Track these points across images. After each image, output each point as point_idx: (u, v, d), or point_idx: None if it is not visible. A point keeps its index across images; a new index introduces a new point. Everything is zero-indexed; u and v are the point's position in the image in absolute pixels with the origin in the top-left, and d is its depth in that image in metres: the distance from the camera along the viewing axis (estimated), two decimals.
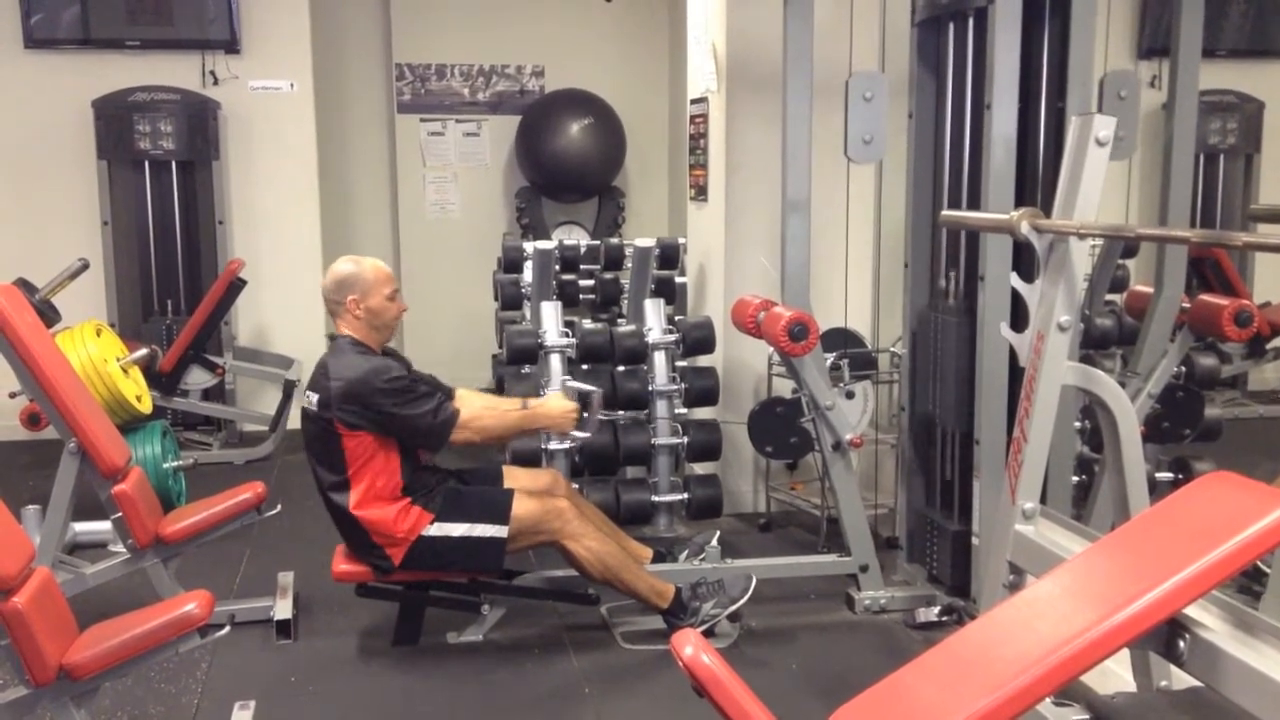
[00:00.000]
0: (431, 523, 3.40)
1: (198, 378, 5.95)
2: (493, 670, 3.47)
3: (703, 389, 4.60)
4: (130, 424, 4.70)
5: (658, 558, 3.78)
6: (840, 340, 4.54)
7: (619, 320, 5.58)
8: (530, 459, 4.33)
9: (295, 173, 6.71)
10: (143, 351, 5.03)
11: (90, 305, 6.05)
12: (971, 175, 3.68)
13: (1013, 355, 2.90)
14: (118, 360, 4.75)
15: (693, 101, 5.23)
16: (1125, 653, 2.34)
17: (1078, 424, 4.00)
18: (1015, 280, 2.71)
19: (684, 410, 4.66)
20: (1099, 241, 4.54)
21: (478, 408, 3.53)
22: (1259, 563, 2.82)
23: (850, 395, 4.50)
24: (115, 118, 6.25)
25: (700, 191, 5.18)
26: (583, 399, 3.53)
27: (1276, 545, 1.88)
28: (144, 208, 6.39)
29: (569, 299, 5.85)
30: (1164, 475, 4.21)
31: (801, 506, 4.85)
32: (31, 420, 4.69)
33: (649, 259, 5.40)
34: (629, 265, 5.70)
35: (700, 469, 4.80)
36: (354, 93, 7.62)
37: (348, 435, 3.35)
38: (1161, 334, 4.09)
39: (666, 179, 7.92)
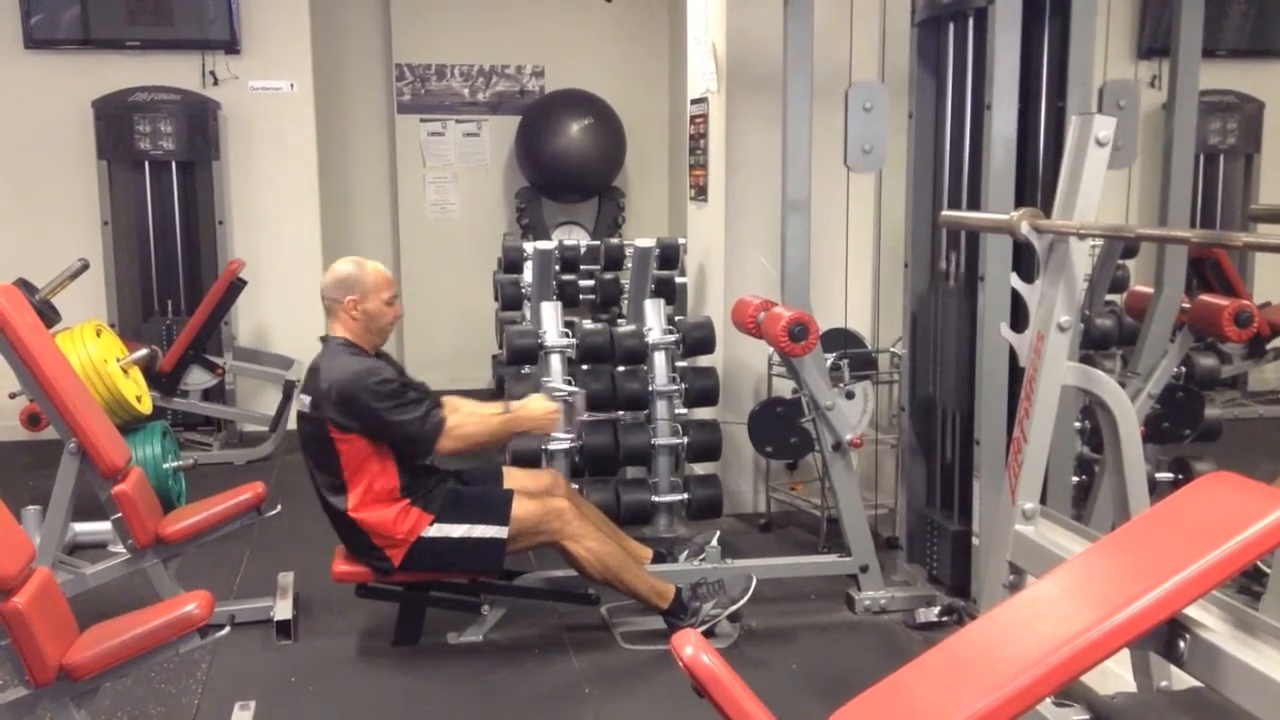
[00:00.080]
0: (431, 524, 3.40)
1: (198, 378, 5.95)
2: (493, 670, 3.47)
3: (703, 389, 4.60)
4: (130, 424, 4.70)
5: (658, 558, 3.78)
6: (840, 340, 4.54)
7: (619, 320, 5.58)
8: (530, 459, 4.33)
9: (295, 173, 6.71)
10: (143, 352, 5.03)
11: (90, 305, 6.05)
12: (971, 175, 3.68)
13: (1013, 355, 2.90)
14: (118, 360, 4.75)
15: (693, 101, 5.23)
16: (1125, 653, 2.34)
17: (1078, 424, 4.00)
18: (1015, 280, 2.71)
19: (684, 410, 4.66)
20: (1099, 242, 4.54)
21: (461, 415, 3.48)
22: (1259, 563, 2.82)
23: (850, 395, 4.50)
24: (115, 118, 6.26)
25: (700, 192, 5.18)
26: (565, 401, 3.52)
27: (1276, 545, 1.88)
28: (144, 208, 6.39)
29: (569, 299, 5.85)
30: (1164, 475, 4.21)
31: (801, 507, 4.85)
32: (31, 420, 4.69)
33: (649, 259, 5.40)
34: (629, 265, 5.71)
35: (700, 469, 4.80)
36: (354, 93, 7.62)
37: (340, 439, 3.34)
38: (1161, 334, 4.09)
39: (666, 179, 7.92)
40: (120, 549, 3.66)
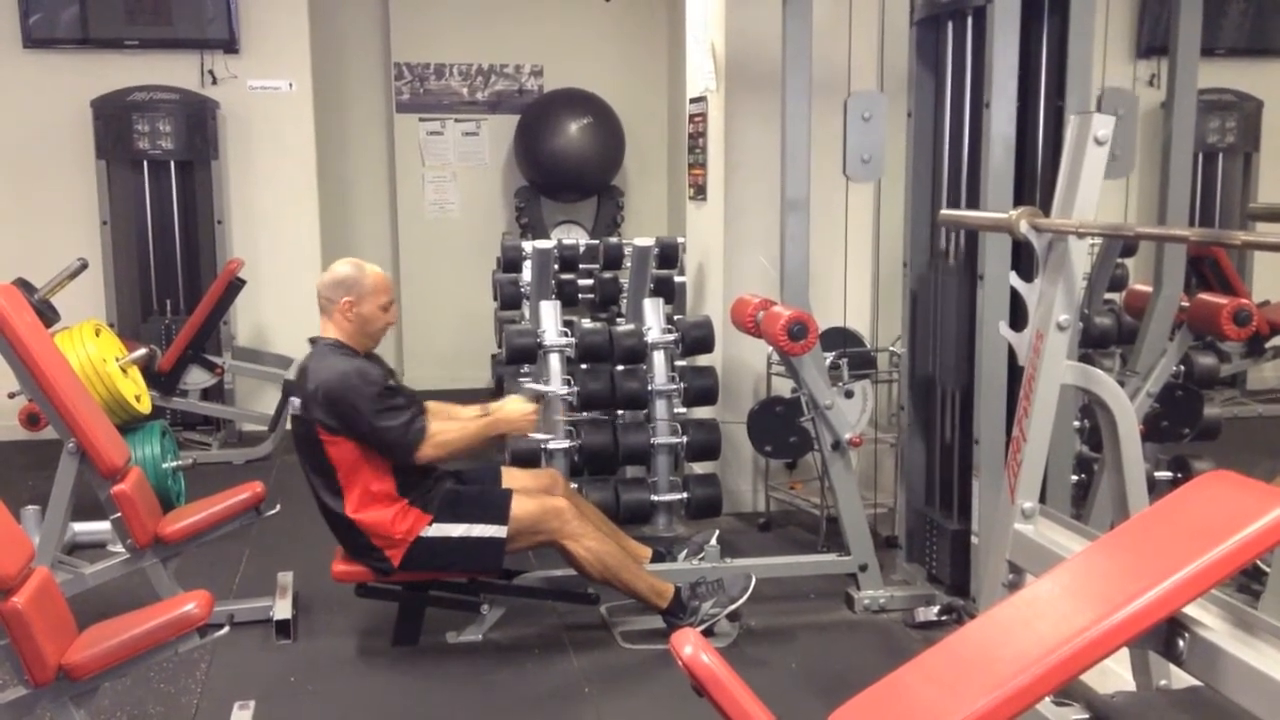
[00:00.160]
0: (430, 524, 3.40)
1: (197, 377, 5.95)
2: (492, 670, 3.47)
3: (702, 388, 4.60)
4: (129, 424, 4.70)
5: (657, 557, 3.78)
6: (839, 339, 4.54)
7: (618, 320, 5.58)
8: (529, 459, 4.33)
9: (294, 172, 6.71)
10: (142, 351, 5.03)
11: (89, 305, 6.05)
12: (970, 174, 3.68)
13: (1012, 354, 2.90)
14: (117, 360, 4.75)
15: (692, 101, 5.23)
16: (1125, 652, 2.34)
17: (1077, 423, 4.00)
18: (1014, 279, 2.71)
19: (683, 410, 4.66)
20: (1098, 240, 4.54)
21: (441, 422, 3.47)
22: (1258, 561, 2.82)
23: (849, 394, 4.50)
24: (114, 117, 6.26)
25: (699, 191, 5.18)
26: (541, 400, 3.50)
27: (1275, 544, 1.88)
28: (143, 207, 6.39)
29: (568, 298, 5.85)
30: (1163, 474, 4.21)
31: (801, 506, 4.85)
32: (30, 420, 4.70)
33: (648, 258, 5.40)
34: (628, 264, 5.71)
35: (699, 468, 4.80)
36: (353, 92, 7.62)
37: (329, 441, 3.34)
38: (1160, 333, 4.09)
39: (665, 178, 7.92)
40: (119, 549, 3.66)
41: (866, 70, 4.30)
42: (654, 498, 4.47)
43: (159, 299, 6.43)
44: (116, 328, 6.06)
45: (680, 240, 5.78)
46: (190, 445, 6.01)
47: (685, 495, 4.49)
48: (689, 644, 1.99)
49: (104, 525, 3.91)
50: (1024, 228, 2.59)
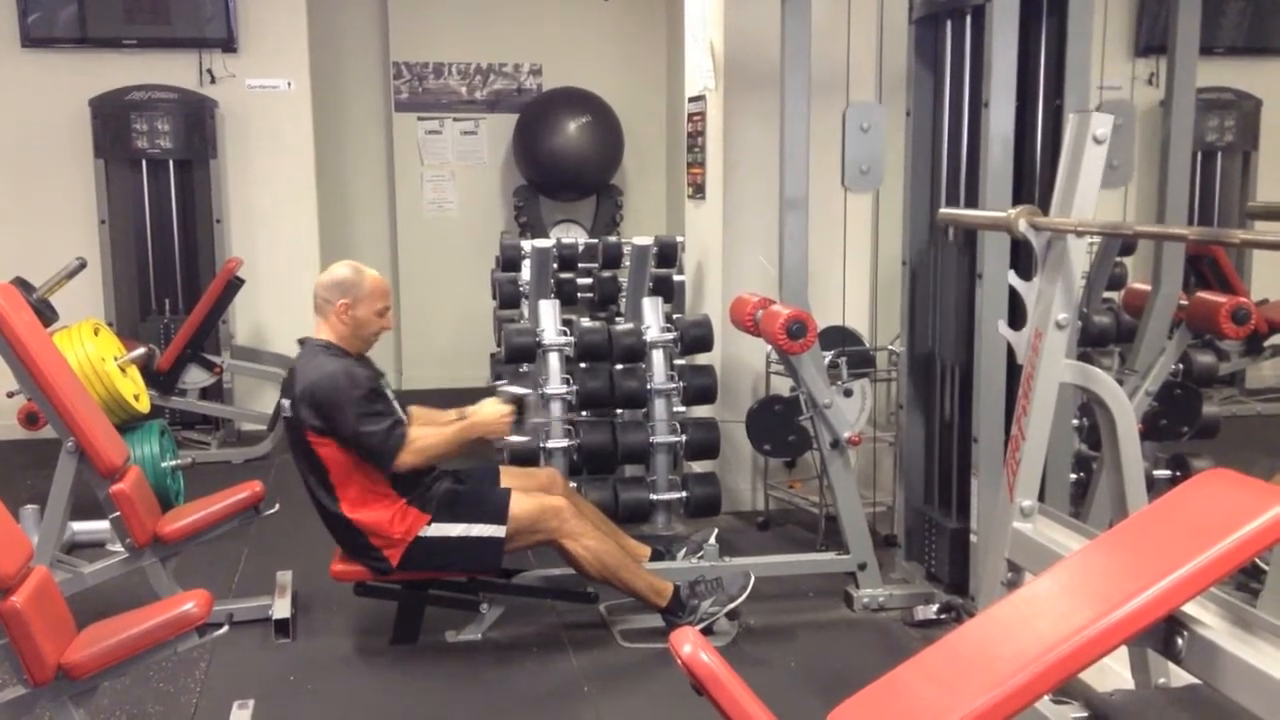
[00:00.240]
0: (429, 524, 3.39)
1: (196, 377, 5.95)
2: (491, 669, 3.47)
3: (701, 387, 4.60)
4: (128, 423, 4.70)
5: (656, 556, 3.78)
6: (838, 338, 4.54)
7: (617, 319, 5.58)
8: (528, 458, 4.33)
9: (293, 171, 6.71)
10: (140, 350, 5.02)
11: (88, 304, 6.04)
12: (969, 173, 3.68)
13: (1011, 353, 2.90)
14: (115, 359, 4.75)
15: (691, 99, 5.23)
16: (1124, 650, 2.34)
17: (1076, 421, 4.00)
18: (1013, 278, 2.71)
19: (682, 408, 4.66)
20: (1096, 239, 4.54)
21: (420, 427, 3.45)
22: (1257, 560, 2.82)
23: (848, 393, 4.50)
24: (112, 116, 6.25)
25: (698, 190, 5.18)
26: (518, 402, 3.51)
27: (1274, 542, 1.88)
28: (141, 206, 6.38)
29: (567, 297, 5.84)
30: (1162, 473, 4.22)
31: (800, 504, 4.85)
32: (29, 419, 4.70)
33: (647, 257, 5.40)
34: (627, 263, 5.70)
35: (698, 467, 4.80)
36: (351, 91, 7.62)
37: (318, 443, 3.33)
38: (1159, 331, 4.09)
39: (664, 177, 7.92)
40: (118, 548, 3.66)
41: (865, 69, 4.31)
42: (653, 496, 4.47)
43: (157, 298, 6.42)
44: (115, 327, 6.05)
45: (679, 239, 5.78)
46: (189, 444, 6.01)
47: (684, 494, 4.49)
48: (688, 642, 1.99)
49: (103, 524, 3.91)
50: (1023, 226, 2.59)
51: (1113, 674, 2.70)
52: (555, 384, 4.44)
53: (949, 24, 3.78)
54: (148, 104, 6.25)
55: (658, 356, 4.55)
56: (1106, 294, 4.93)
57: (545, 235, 7.09)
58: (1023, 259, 3.11)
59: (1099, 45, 3.62)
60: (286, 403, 3.39)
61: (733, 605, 3.61)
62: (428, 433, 3.40)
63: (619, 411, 4.77)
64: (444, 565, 3.50)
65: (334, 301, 3.42)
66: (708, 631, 3.53)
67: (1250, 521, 1.82)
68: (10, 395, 4.65)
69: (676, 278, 5.81)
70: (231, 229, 6.55)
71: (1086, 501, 3.93)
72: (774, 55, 3.85)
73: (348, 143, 7.60)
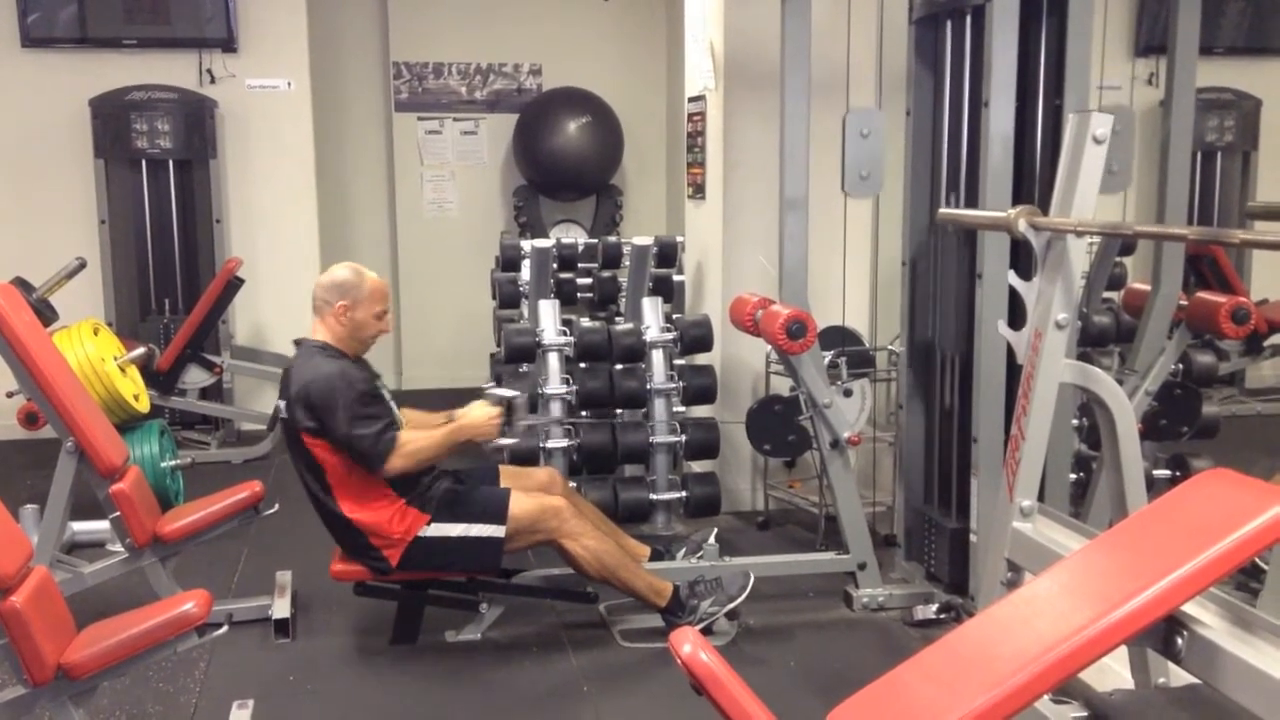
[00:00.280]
0: (428, 524, 3.39)
1: (195, 376, 5.95)
2: (491, 669, 3.47)
3: (701, 387, 4.60)
4: (128, 423, 4.70)
5: (655, 556, 3.78)
6: (838, 338, 4.54)
7: (617, 319, 5.58)
8: (528, 458, 4.33)
9: (292, 171, 6.71)
10: (140, 350, 5.02)
11: (88, 304, 6.04)
12: (969, 173, 3.68)
13: (1010, 353, 2.90)
14: (115, 359, 4.74)
15: (690, 99, 5.23)
16: (1123, 650, 2.34)
17: (1075, 421, 4.00)
18: (1013, 278, 2.71)
19: (682, 408, 4.66)
20: (1096, 239, 4.54)
21: (409, 432, 3.42)
22: (1257, 559, 2.82)
23: (848, 393, 4.50)
24: (112, 116, 6.25)
25: (698, 189, 5.18)
26: (505, 404, 3.51)
27: (1274, 542, 1.88)
28: (141, 206, 6.38)
29: (567, 297, 5.84)
30: (1162, 472, 4.22)
31: (799, 504, 4.85)
32: (29, 419, 4.70)
33: (647, 257, 5.40)
34: (627, 263, 5.70)
35: (698, 467, 4.80)
36: (351, 91, 7.62)
37: (313, 444, 3.33)
38: (1159, 331, 4.09)
39: (664, 177, 7.92)
40: (118, 548, 3.65)
41: (865, 69, 4.31)
42: (653, 496, 4.47)
43: (157, 298, 6.42)
44: (115, 327, 6.05)
45: (679, 239, 5.78)
46: (189, 444, 6.00)
47: (684, 494, 4.49)
48: (688, 642, 1.99)
49: (103, 524, 3.91)
50: (1022, 226, 2.59)
51: (1113, 674, 2.70)
52: (555, 384, 4.44)
53: (949, 24, 3.78)
54: (148, 104, 6.25)
55: (657, 356, 4.55)
56: (1106, 294, 4.93)
57: (545, 235, 7.09)
58: (1023, 259, 3.11)
59: (1099, 45, 3.62)
60: (282, 404, 3.40)
61: (732, 605, 3.60)
62: (417, 436, 3.39)
63: (619, 411, 4.77)
64: (443, 565, 3.50)
65: (333, 303, 3.42)
66: (707, 631, 3.53)
67: (1250, 521, 1.82)
68: (10, 395, 4.65)
69: (676, 278, 5.82)
70: (231, 229, 6.55)
71: (1086, 501, 3.93)
72: (774, 55, 3.85)
73: (348, 143, 7.60)
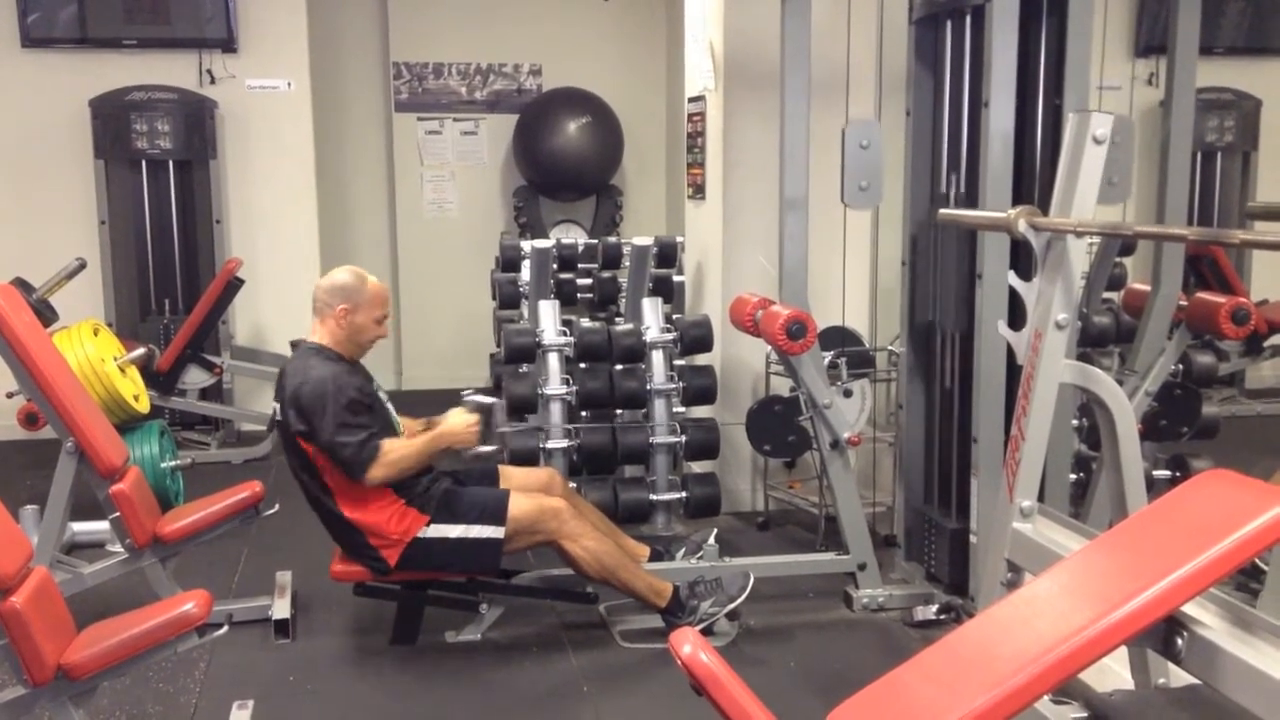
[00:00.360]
0: (427, 524, 3.39)
1: (195, 377, 5.95)
2: (491, 669, 3.47)
3: (701, 387, 4.60)
4: (128, 423, 4.70)
5: (655, 556, 3.78)
6: (838, 338, 4.54)
7: (617, 319, 5.58)
8: (528, 458, 4.33)
9: (292, 172, 6.71)
10: (140, 351, 5.02)
11: (87, 304, 6.05)
12: (969, 173, 3.68)
13: (1010, 353, 2.90)
14: (115, 360, 4.74)
15: (690, 100, 5.23)
16: (1123, 650, 2.34)
17: (1075, 422, 4.00)
18: (1013, 278, 2.71)
19: (682, 409, 4.66)
20: (1096, 239, 4.53)
21: (390, 440, 3.40)
22: (1257, 560, 2.82)
23: (848, 393, 4.50)
24: (112, 117, 6.25)
25: (698, 190, 5.18)
26: (484, 412, 3.51)
27: (1274, 542, 1.87)
28: (141, 207, 6.38)
29: (567, 298, 5.85)
30: (1161, 473, 4.21)
31: (799, 505, 4.85)
32: (29, 420, 4.70)
33: (647, 257, 5.40)
34: (627, 264, 5.71)
35: (698, 467, 4.80)
36: (351, 92, 7.62)
37: (307, 445, 3.34)
38: (1159, 332, 4.09)
39: (664, 177, 7.92)
40: (118, 548, 3.65)
41: (865, 70, 4.31)
42: (652, 497, 4.47)
43: (157, 298, 6.42)
44: (115, 327, 6.05)
45: (679, 239, 5.78)
46: (189, 445, 6.01)
47: (684, 494, 4.48)
48: (688, 643, 1.99)
49: (103, 525, 3.91)
50: (1022, 227, 2.59)
51: (1113, 674, 2.70)
52: (555, 384, 4.44)
53: (949, 24, 3.78)
54: (148, 104, 6.25)
55: (657, 357, 4.54)
56: (1106, 294, 4.92)
57: (545, 235, 7.09)
58: (1023, 259, 3.11)
59: (1099, 45, 3.62)
60: (277, 406, 3.40)
61: (732, 606, 3.61)
62: (399, 444, 3.39)
63: (619, 412, 4.77)
64: (442, 566, 3.50)
65: (334, 305, 3.42)
66: (707, 632, 3.53)
67: (1250, 521, 1.82)
68: (10, 395, 4.65)
69: (676, 278, 5.82)
70: (231, 229, 6.55)
71: (1086, 501, 3.93)
72: (774, 55, 3.85)
73: (348, 143, 7.60)
